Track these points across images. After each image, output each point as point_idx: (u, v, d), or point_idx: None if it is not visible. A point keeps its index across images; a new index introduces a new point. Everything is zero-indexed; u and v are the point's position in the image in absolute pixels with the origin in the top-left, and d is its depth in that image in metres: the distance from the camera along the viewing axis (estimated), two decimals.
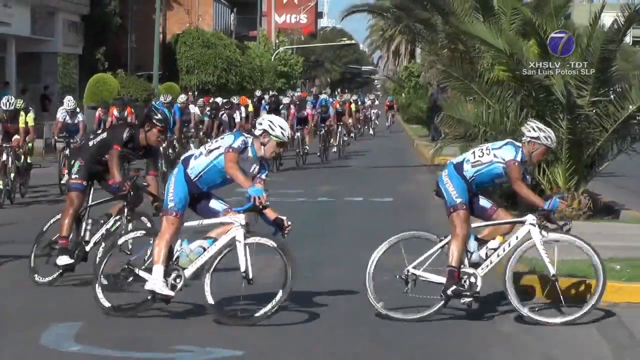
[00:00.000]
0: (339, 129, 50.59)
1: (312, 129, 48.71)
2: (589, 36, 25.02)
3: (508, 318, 15.90)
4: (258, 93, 51.05)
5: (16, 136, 26.86)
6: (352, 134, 53.69)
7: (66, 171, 28.79)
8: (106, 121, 37.60)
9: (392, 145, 61.59)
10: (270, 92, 58.12)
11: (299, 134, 46.10)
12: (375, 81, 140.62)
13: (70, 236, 17.83)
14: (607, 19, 25.82)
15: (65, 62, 73.51)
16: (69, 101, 33.22)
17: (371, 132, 62.54)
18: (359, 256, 17.31)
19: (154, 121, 18.17)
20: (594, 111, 24.17)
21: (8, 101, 27.42)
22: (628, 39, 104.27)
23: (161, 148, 33.80)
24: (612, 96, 24.52)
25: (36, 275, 17.64)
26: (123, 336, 14.58)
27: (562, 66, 24.25)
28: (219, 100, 47.19)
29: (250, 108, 48.32)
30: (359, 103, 70.34)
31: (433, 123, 52.76)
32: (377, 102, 79.96)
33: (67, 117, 32.15)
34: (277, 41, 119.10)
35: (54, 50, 72.77)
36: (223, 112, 40.80)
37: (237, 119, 41.17)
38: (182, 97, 40.86)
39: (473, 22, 27.31)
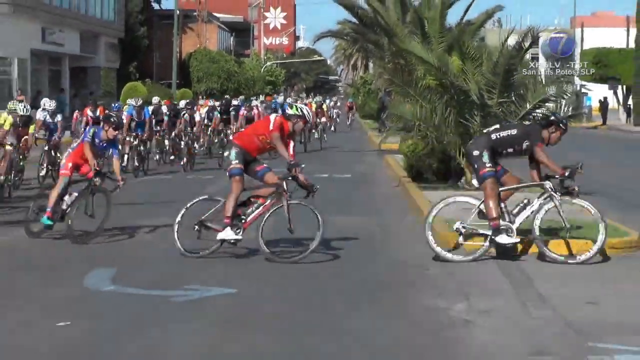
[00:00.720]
0: (320, 126, 49.50)
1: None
2: (498, 53, 25.13)
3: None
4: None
5: (26, 137, 25.32)
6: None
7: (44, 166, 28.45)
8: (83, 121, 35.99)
9: (351, 135, 60.86)
10: (261, 96, 57.01)
11: None
12: (339, 88, 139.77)
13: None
14: (511, 41, 26.04)
15: (106, 74, 73.28)
16: (49, 102, 30.74)
17: (332, 128, 61.65)
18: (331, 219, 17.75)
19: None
20: (500, 109, 24.37)
21: (25, 107, 25.64)
22: (528, 56, 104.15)
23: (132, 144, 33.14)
24: (513, 98, 24.72)
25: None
26: (147, 279, 14.80)
27: (475, 75, 24.44)
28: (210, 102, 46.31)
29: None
30: (329, 104, 69.74)
31: (381, 119, 52.92)
32: (339, 104, 79.10)
33: (47, 117, 29.39)
34: (265, 57, 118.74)
35: (97, 65, 72.45)
36: (185, 112, 38.29)
37: (197, 118, 39.09)
38: (155, 99, 38.86)
39: (411, 43, 27.43)
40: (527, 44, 25.99)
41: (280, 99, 47.54)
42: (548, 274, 15.09)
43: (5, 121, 23.60)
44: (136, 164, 33.48)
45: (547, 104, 25.69)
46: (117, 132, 20.10)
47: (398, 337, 11.36)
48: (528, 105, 24.77)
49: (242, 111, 41.11)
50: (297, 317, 12.29)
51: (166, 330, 11.49)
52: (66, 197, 18.61)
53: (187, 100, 42.73)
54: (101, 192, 18.54)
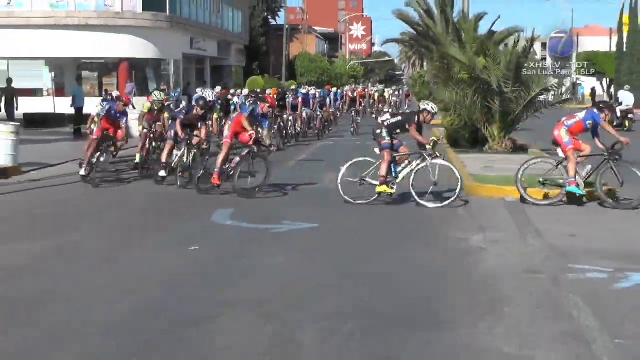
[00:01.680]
0: (353, 114, 42.26)
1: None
2: (510, 55, 24.87)
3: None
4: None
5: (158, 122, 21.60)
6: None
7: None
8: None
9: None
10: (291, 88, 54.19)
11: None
12: (403, 80, 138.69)
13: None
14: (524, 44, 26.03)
15: (236, 71, 73.53)
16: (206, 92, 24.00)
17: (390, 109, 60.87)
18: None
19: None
20: (513, 95, 24.17)
21: (161, 94, 22.61)
22: (538, 56, 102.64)
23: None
24: (522, 87, 24.51)
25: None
26: (255, 215, 14.78)
27: (495, 70, 24.18)
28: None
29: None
30: (389, 92, 69.34)
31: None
32: (397, 92, 77.84)
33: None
34: (349, 59, 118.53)
35: (229, 64, 72.68)
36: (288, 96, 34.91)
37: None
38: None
39: (451, 48, 27.18)
40: (530, 48, 25.86)
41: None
42: (543, 215, 14.90)
43: (144, 107, 22.70)
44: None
45: (548, 92, 25.56)
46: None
47: (433, 259, 11.33)
48: (532, 93, 24.54)
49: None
50: (358, 247, 12.27)
51: (264, 254, 11.55)
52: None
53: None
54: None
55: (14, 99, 34.58)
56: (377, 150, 16.44)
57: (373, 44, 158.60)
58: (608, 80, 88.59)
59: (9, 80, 36.52)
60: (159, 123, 21.47)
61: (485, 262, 11.08)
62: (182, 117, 19.52)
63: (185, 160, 18.98)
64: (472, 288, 9.71)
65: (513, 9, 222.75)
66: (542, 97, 25.26)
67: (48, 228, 13.63)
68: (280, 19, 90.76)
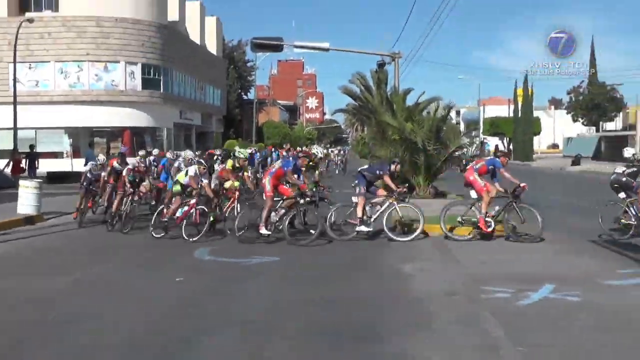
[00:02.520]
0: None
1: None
2: (431, 120, 25.02)
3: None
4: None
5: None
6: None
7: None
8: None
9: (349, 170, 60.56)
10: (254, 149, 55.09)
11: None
12: (349, 141, 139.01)
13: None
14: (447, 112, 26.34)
15: (216, 136, 73.26)
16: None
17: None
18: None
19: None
20: (435, 152, 24.18)
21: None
22: (454, 121, 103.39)
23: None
24: (441, 145, 24.53)
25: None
26: (227, 250, 14.51)
27: (420, 132, 24.21)
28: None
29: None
30: (338, 152, 68.97)
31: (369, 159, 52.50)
32: (345, 152, 76.64)
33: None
34: (305, 125, 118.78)
35: (212, 130, 72.56)
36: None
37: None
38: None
39: (385, 116, 27.23)
40: (447, 114, 26.11)
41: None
42: (461, 247, 14.73)
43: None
44: None
45: (462, 149, 25.71)
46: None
47: (373, 284, 11.16)
48: (450, 149, 24.65)
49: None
50: (312, 276, 12.09)
51: (239, 282, 11.34)
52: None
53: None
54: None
55: (35, 161, 34.39)
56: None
57: (324, 113, 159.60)
58: (507, 139, 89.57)
59: (32, 147, 36.78)
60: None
61: (414, 286, 10.93)
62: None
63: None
64: (404, 308, 9.58)
65: (435, 83, 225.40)
66: (457, 153, 25.36)
67: (65, 264, 13.33)
68: (251, 95, 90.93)
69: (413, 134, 24.76)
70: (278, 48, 34.31)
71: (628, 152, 19.79)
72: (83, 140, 51.07)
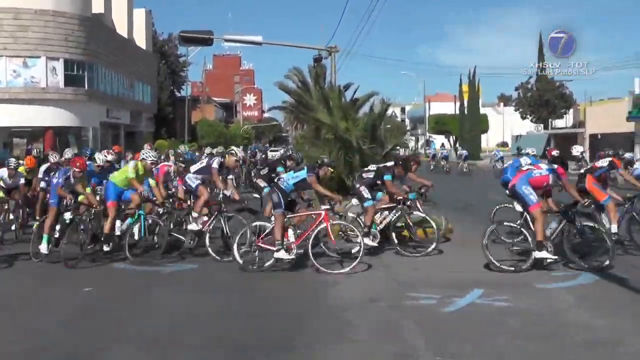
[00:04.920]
0: None
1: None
2: (367, 117, 25.11)
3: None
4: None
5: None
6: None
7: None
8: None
9: None
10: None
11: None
12: (289, 139, 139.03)
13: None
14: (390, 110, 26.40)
15: (146, 136, 72.42)
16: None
17: None
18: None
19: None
20: (370, 151, 24.23)
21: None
22: (399, 118, 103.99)
23: None
24: (376, 144, 24.55)
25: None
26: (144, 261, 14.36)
27: (354, 131, 24.23)
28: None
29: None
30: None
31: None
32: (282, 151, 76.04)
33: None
34: (242, 123, 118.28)
35: (141, 130, 71.75)
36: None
37: None
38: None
39: (319, 113, 27.18)
40: (384, 111, 26.13)
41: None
42: (394, 254, 14.35)
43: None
44: None
45: (398, 147, 25.82)
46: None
47: (296, 291, 11.07)
48: (387, 148, 24.70)
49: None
50: (228, 283, 11.96)
51: (149, 292, 11.16)
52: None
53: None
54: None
55: None
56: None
57: (263, 111, 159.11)
58: (454, 137, 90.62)
59: None
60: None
61: (337, 294, 10.88)
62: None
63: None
64: (323, 316, 9.52)
65: (379, 79, 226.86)
66: (393, 152, 25.45)
67: None
68: (185, 92, 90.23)
69: (347, 132, 24.79)
70: (207, 42, 34.04)
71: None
72: (1, 141, 50.09)
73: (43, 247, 14.01)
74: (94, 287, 11.58)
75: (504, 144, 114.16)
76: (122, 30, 65.80)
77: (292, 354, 7.75)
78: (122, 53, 63.09)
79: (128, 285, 11.85)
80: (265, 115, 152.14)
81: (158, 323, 9.27)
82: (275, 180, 14.67)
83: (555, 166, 13.21)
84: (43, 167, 18.70)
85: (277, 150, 64.88)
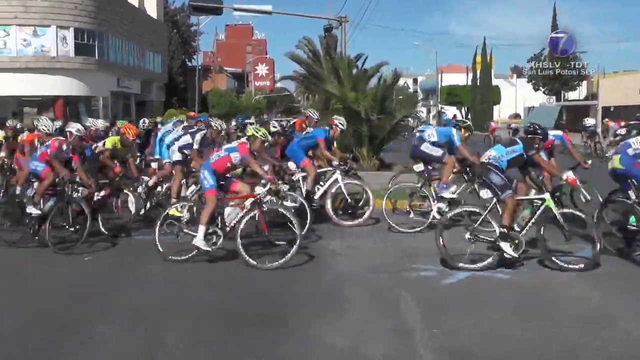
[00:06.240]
0: None
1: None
2: (376, 88, 24.97)
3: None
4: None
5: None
6: None
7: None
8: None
9: None
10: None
11: None
12: (301, 110, 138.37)
13: None
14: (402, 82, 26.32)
15: (157, 105, 72.32)
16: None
17: None
18: None
19: None
20: (379, 121, 24.11)
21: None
22: (411, 90, 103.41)
23: None
24: (386, 115, 24.39)
25: None
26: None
27: (364, 102, 24.10)
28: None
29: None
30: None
31: None
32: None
33: None
34: (254, 94, 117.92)
35: (152, 99, 71.67)
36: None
37: None
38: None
39: (328, 84, 27.05)
40: (395, 82, 25.97)
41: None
42: (400, 223, 13.70)
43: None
44: None
45: (411, 118, 25.75)
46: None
47: (295, 263, 10.78)
48: (396, 119, 24.52)
49: None
50: (228, 253, 11.81)
51: (150, 262, 11.06)
52: None
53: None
54: None
55: None
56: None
57: (275, 81, 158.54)
58: (466, 108, 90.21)
59: None
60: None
61: (336, 266, 10.76)
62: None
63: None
64: (322, 288, 9.46)
65: (390, 51, 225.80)
66: (402, 123, 25.34)
67: None
68: (196, 61, 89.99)
69: (356, 103, 24.64)
70: (217, 11, 33.89)
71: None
72: (11, 110, 50.06)
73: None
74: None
75: (516, 116, 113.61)
76: None
77: (286, 328, 7.66)
78: (132, 22, 62.88)
79: (124, 256, 11.74)
80: (277, 85, 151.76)
81: (152, 293, 9.23)
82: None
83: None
84: None
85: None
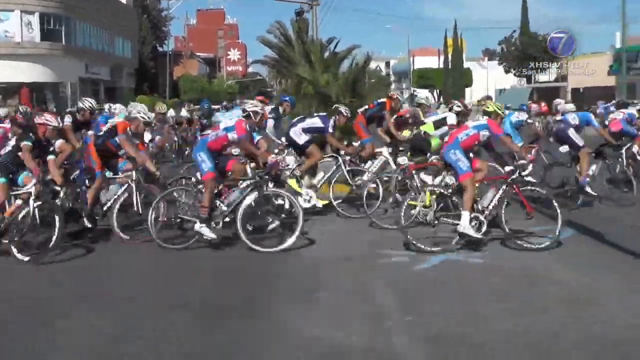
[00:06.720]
0: None
1: None
2: (349, 71, 24.78)
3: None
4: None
5: None
6: None
7: None
8: None
9: None
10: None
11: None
12: (274, 94, 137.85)
13: None
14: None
15: (127, 92, 71.64)
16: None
17: None
18: None
19: None
20: (350, 104, 23.92)
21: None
22: (383, 73, 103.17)
23: None
24: (358, 99, 24.19)
25: None
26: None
27: (335, 85, 23.88)
28: None
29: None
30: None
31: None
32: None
33: None
34: (227, 78, 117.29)
35: (122, 86, 71.04)
36: None
37: None
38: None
39: (299, 68, 26.79)
40: (366, 65, 25.72)
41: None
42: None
43: None
44: None
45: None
46: None
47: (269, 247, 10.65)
48: (368, 103, 24.36)
49: None
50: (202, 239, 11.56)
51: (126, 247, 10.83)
52: None
53: None
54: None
55: None
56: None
57: (248, 66, 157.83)
58: (438, 91, 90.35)
59: None
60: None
61: (311, 252, 10.58)
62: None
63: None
64: (295, 275, 9.30)
65: (363, 35, 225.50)
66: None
67: None
68: (167, 47, 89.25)
69: (327, 86, 24.45)
70: None
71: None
72: None
73: None
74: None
75: (488, 98, 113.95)
76: None
77: (261, 314, 7.52)
78: (101, 7, 62.22)
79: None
80: (250, 70, 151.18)
81: (124, 283, 9.03)
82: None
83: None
84: None
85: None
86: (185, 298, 8.24)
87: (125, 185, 11.74)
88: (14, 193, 10.62)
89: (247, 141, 11.17)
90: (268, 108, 15.67)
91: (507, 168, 11.06)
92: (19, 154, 10.61)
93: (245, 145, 11.29)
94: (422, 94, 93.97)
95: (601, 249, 10.40)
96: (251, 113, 11.48)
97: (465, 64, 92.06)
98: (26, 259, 9.88)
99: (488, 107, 11.85)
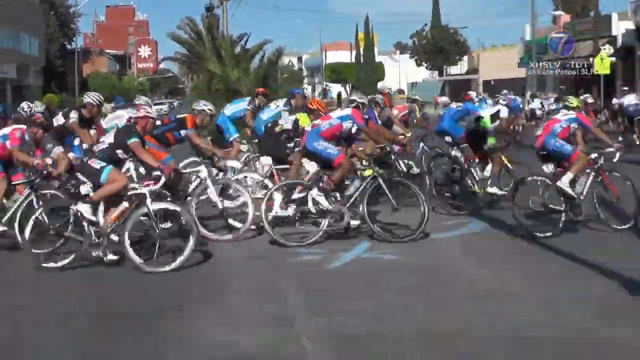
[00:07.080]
0: None
1: None
2: (260, 66, 24.61)
3: None
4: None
5: None
6: None
7: None
8: None
9: None
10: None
11: None
12: (186, 91, 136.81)
13: None
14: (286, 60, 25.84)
15: (35, 90, 69.60)
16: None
17: None
18: None
19: None
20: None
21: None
22: (296, 67, 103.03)
23: None
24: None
25: None
26: None
27: (246, 80, 23.71)
28: None
29: None
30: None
31: None
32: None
33: None
34: (137, 75, 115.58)
35: (29, 84, 69.10)
36: None
37: None
38: None
39: (212, 63, 26.54)
40: (277, 60, 25.67)
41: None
42: None
43: None
44: None
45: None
46: None
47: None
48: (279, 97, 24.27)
49: None
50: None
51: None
52: None
53: None
54: None
55: None
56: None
57: (159, 63, 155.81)
58: (350, 85, 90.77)
59: None
60: None
61: (217, 253, 10.13)
62: None
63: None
64: (196, 277, 8.93)
65: (275, 30, 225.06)
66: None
67: None
68: (77, 44, 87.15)
69: (238, 82, 24.25)
70: None
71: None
72: None
73: None
74: None
75: (400, 91, 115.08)
76: None
77: (165, 319, 7.19)
78: (5, 2, 60.26)
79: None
80: (161, 66, 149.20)
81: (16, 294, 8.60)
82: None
83: None
84: None
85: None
86: (87, 305, 7.84)
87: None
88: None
89: (366, 127, 11.01)
90: (280, 102, 15.11)
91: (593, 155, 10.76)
92: (117, 151, 9.59)
93: (366, 131, 11.07)
94: (335, 88, 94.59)
95: (511, 243, 10.42)
96: (360, 104, 11.24)
97: (377, 58, 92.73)
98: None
99: (572, 102, 11.95)
